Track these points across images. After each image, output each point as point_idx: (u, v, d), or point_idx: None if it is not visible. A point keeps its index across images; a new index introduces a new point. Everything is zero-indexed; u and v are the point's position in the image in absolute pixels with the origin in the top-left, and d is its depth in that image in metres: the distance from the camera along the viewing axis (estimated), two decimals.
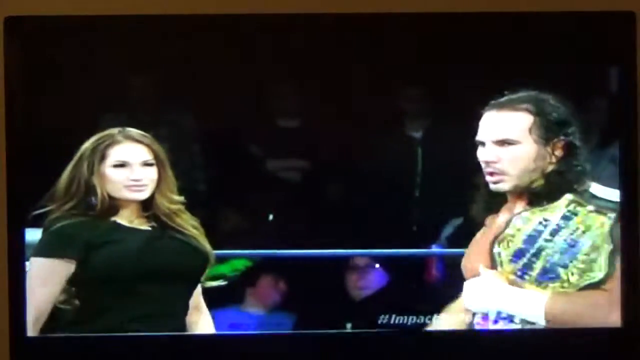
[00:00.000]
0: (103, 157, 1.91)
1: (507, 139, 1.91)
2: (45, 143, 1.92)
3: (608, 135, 1.96)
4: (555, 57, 1.94)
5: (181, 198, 1.94)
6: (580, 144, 1.92)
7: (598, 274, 1.90)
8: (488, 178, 1.92)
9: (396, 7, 1.97)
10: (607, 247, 1.91)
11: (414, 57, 1.96)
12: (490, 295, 1.92)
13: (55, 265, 1.89)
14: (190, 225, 1.94)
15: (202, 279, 1.95)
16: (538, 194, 1.93)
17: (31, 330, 1.89)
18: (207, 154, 1.97)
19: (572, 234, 1.91)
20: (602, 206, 1.93)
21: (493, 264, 1.93)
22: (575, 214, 1.92)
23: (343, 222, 1.97)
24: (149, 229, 1.94)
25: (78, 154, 1.91)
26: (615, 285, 1.90)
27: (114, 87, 1.93)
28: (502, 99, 1.92)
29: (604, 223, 1.92)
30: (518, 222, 1.93)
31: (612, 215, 1.92)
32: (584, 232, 1.91)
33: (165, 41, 1.94)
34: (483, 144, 1.92)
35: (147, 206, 1.94)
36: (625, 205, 1.93)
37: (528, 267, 1.91)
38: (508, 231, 1.93)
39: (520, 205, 1.94)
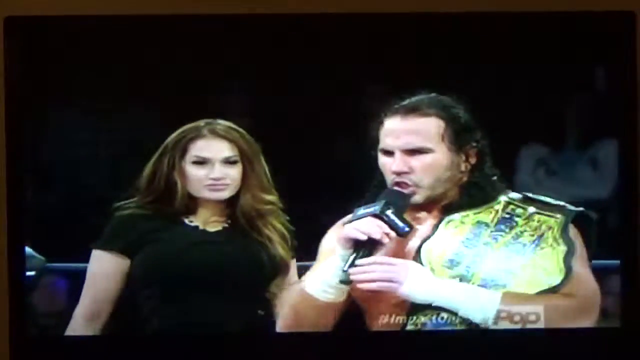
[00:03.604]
0: (184, 152, 1.80)
1: (421, 148, 1.78)
2: (44, 143, 1.93)
3: (605, 136, 1.97)
4: (555, 57, 1.94)
5: (273, 197, 1.82)
6: (488, 151, 1.82)
7: (553, 279, 1.77)
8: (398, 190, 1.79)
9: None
10: (561, 250, 1.79)
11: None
12: (437, 286, 1.77)
13: (106, 258, 1.80)
14: (272, 229, 1.82)
15: (270, 289, 1.81)
16: (451, 206, 1.81)
17: (82, 329, 1.83)
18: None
19: (517, 237, 1.79)
20: (543, 208, 1.81)
21: None
22: (518, 216, 1.80)
23: None
24: (214, 230, 1.83)
25: (162, 146, 1.81)
26: (576, 290, 1.79)
27: (114, 87, 1.93)
28: (405, 103, 1.80)
29: (552, 225, 1.79)
30: (449, 226, 1.80)
31: (559, 216, 1.80)
32: (531, 235, 1.79)
33: (166, 41, 1.94)
34: (391, 153, 1.80)
35: (230, 205, 1.82)
36: (625, 205, 1.94)
37: (467, 273, 1.76)
38: (437, 236, 1.80)
39: (433, 215, 1.81)
